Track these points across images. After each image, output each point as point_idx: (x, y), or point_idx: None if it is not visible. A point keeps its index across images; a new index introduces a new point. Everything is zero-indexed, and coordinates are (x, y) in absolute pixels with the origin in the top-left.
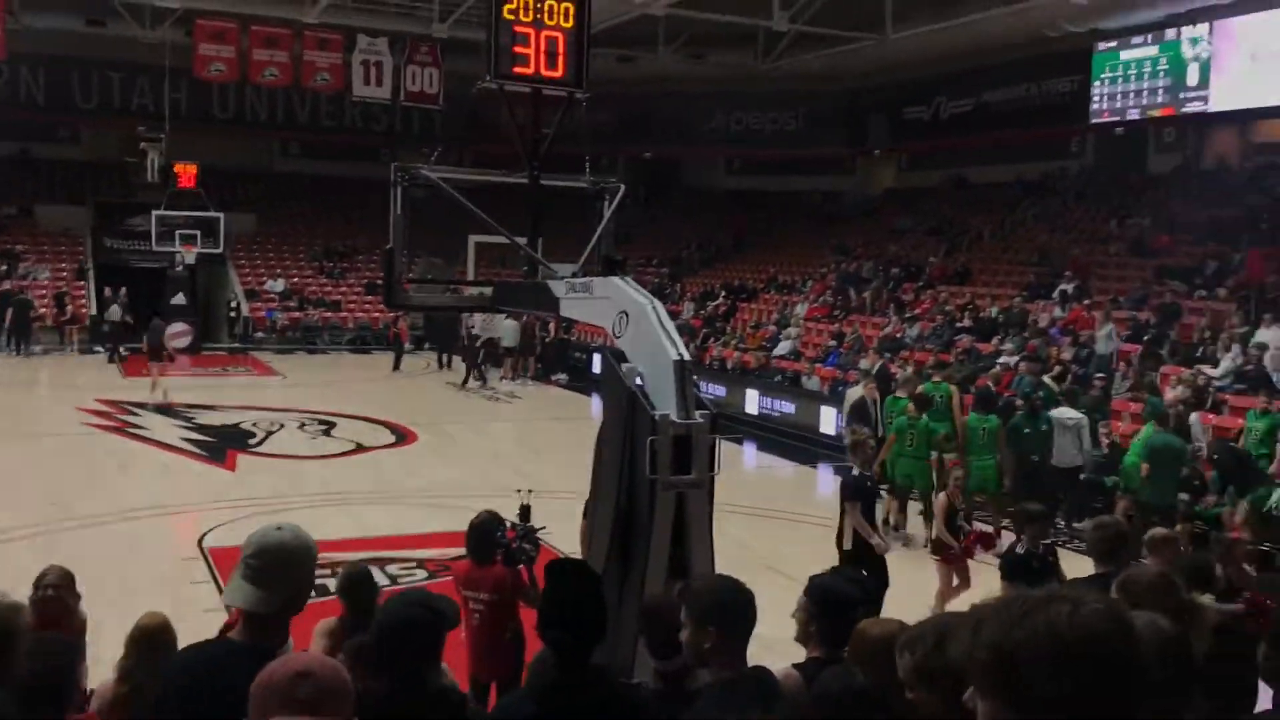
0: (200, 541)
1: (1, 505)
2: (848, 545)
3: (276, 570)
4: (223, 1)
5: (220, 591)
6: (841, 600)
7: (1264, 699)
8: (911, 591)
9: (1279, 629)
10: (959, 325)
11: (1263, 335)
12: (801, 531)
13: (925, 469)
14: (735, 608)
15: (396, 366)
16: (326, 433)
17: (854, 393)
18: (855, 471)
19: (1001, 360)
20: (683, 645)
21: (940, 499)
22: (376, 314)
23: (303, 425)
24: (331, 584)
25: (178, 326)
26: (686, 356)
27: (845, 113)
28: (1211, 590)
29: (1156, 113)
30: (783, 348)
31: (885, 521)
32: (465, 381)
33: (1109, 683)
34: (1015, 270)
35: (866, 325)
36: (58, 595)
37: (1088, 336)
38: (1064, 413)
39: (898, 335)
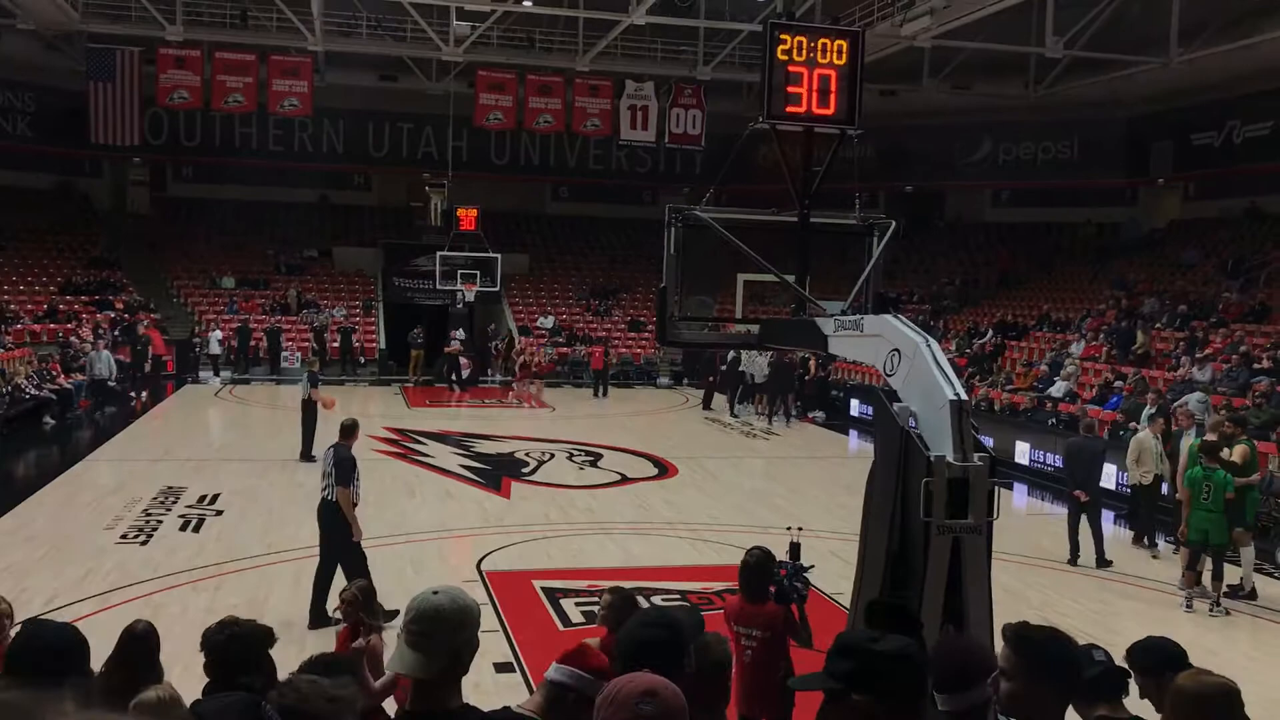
0: (479, 565)
1: (300, 525)
2: None
3: (435, 635)
4: (502, 54)
5: (497, 614)
6: None
7: None
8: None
9: None
10: (1257, 366)
11: None
12: (1074, 584)
13: (1221, 523)
14: (1068, 664)
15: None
16: (594, 463)
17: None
18: None
19: None
20: (1000, 693)
21: None
22: (639, 349)
23: (571, 456)
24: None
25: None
26: (964, 396)
27: (1124, 140)
28: None
29: None
30: (1057, 389)
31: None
32: (732, 410)
33: None
34: None
35: (1149, 366)
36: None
37: None
38: None
39: (1186, 378)
